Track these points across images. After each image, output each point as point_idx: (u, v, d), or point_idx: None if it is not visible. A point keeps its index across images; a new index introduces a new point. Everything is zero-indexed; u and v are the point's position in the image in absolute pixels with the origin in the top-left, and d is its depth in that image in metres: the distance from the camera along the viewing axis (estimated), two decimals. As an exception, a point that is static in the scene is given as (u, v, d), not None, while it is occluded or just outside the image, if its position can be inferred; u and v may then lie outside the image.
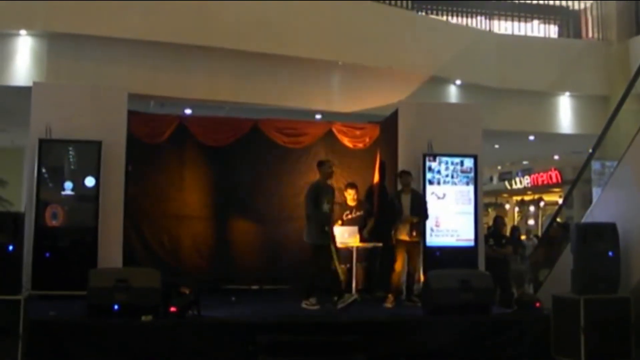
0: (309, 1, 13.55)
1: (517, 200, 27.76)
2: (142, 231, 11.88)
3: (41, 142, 10.22)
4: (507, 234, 14.28)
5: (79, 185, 10.38)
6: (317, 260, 9.88)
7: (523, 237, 17.48)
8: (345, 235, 10.63)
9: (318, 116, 14.17)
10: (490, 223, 13.93)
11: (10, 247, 7.65)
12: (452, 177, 11.21)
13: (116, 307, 8.19)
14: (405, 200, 10.40)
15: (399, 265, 10.26)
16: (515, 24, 18.29)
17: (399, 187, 10.65)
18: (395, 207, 10.40)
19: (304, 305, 9.62)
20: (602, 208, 10.10)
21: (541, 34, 18.72)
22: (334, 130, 12.51)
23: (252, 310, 9.60)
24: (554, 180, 23.33)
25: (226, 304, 9.96)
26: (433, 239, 11.06)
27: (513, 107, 16.44)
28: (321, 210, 9.86)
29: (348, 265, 10.87)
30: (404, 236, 10.28)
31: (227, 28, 12.85)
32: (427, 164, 11.19)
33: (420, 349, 8.49)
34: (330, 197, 10.06)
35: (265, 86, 13.35)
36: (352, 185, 11.51)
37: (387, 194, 11.72)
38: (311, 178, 12.30)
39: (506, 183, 26.48)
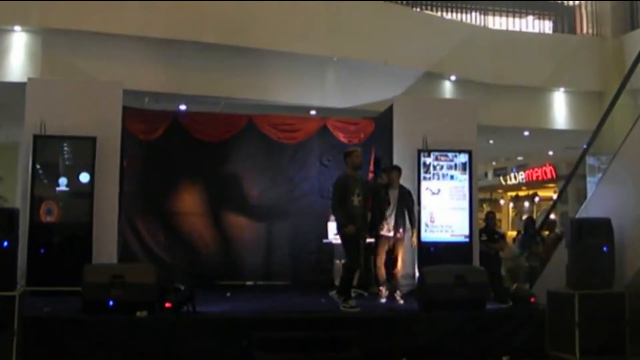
0: (303, -3, 13.58)
1: (511, 196, 27.79)
2: (137, 227, 11.88)
3: (36, 138, 10.20)
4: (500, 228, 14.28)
5: (73, 181, 10.36)
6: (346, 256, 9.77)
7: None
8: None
9: (313, 112, 14.16)
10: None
11: (5, 243, 7.62)
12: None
13: (111, 302, 8.17)
14: (393, 194, 10.32)
15: (382, 260, 10.17)
16: (510, 19, 18.32)
17: (384, 180, 10.44)
18: (381, 198, 10.26)
19: (342, 308, 9.23)
20: (596, 203, 10.12)
21: (536, 30, 18.74)
22: (329, 126, 12.50)
23: (247, 305, 9.60)
24: (549, 175, 23.36)
25: (221, 299, 9.97)
26: (427, 235, 11.09)
27: (508, 102, 16.46)
28: (352, 204, 9.46)
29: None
30: (386, 231, 10.20)
31: (221, 24, 12.84)
32: (422, 159, 11.22)
33: (416, 343, 8.50)
34: (361, 190, 9.64)
35: (260, 82, 13.34)
36: None
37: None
38: (306, 173, 12.38)
39: (501, 178, 26.49)
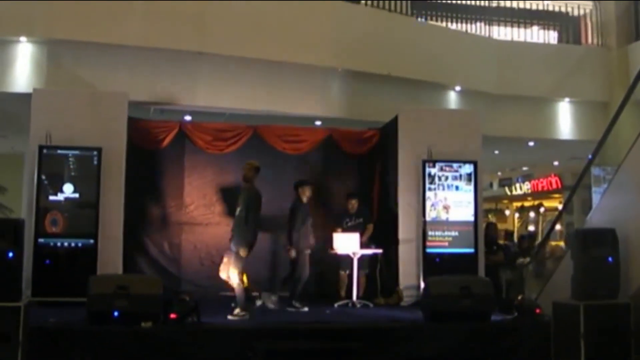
0: (308, 7, 13.56)
1: (517, 206, 27.77)
2: (142, 238, 11.90)
3: (41, 148, 10.26)
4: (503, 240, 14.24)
5: (79, 191, 10.40)
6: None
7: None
8: (346, 242, 10.69)
9: (318, 122, 14.16)
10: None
11: (10, 254, 7.63)
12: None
13: (116, 313, 8.18)
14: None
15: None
16: (515, 30, 18.31)
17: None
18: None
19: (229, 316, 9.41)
20: (601, 214, 10.09)
21: (541, 40, 18.71)
22: (334, 136, 12.51)
23: (251, 317, 9.59)
24: (554, 186, 23.35)
25: (226, 310, 9.95)
26: (432, 245, 11.09)
27: (512, 113, 16.44)
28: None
29: (348, 272, 10.94)
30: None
31: (226, 34, 12.85)
32: (427, 170, 11.22)
33: (420, 355, 8.50)
34: (241, 201, 10.01)
35: (265, 92, 13.33)
36: (353, 195, 11.57)
37: (388, 201, 11.81)
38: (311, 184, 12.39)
39: (506, 189, 26.48)
